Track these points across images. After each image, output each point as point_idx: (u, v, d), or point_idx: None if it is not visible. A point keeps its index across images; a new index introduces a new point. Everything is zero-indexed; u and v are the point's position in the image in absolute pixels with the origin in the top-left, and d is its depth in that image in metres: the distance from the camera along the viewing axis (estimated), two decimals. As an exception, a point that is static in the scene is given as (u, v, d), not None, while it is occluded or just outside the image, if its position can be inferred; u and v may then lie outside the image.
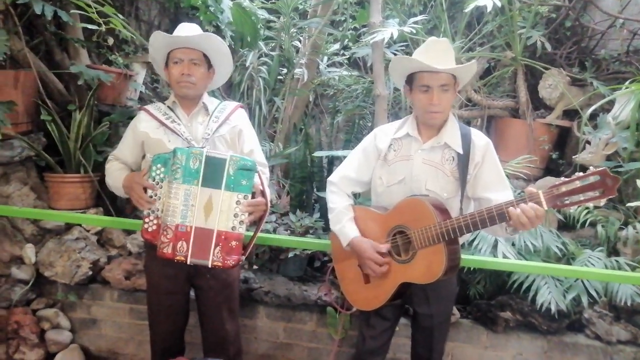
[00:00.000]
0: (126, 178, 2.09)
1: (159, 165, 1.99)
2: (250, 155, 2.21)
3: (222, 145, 2.12)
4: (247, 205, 1.96)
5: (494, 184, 1.87)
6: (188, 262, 1.93)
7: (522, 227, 1.64)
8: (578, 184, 1.55)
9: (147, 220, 2.01)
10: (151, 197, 1.99)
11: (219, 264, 1.94)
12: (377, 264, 1.86)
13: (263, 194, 2.06)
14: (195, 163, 1.93)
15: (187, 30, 2.11)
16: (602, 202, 1.52)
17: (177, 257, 1.92)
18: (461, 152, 1.86)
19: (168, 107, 2.16)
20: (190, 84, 2.07)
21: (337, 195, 2.06)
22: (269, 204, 2.09)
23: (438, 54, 1.83)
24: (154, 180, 2.00)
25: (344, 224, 1.98)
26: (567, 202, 1.57)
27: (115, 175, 2.15)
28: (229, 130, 2.16)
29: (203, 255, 1.93)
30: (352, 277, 2.02)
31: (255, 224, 2.11)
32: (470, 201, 1.95)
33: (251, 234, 2.11)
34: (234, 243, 1.94)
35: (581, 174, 1.55)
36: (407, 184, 1.91)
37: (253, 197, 2.02)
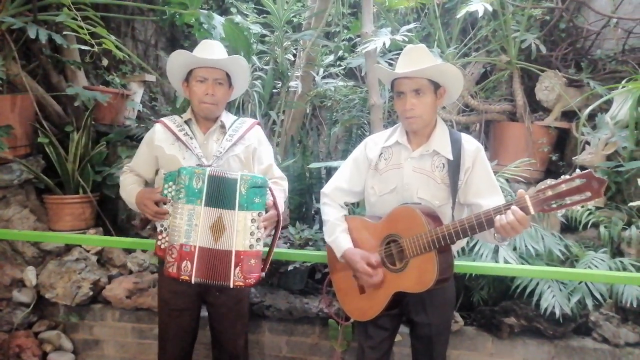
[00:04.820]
0: (139, 195, 2.08)
1: (170, 184, 1.98)
2: (268, 170, 2.20)
3: (235, 164, 2.10)
4: (261, 220, 1.95)
5: (485, 190, 1.84)
6: (192, 282, 1.92)
7: (506, 233, 1.62)
8: (564, 187, 1.53)
9: (160, 237, 2.01)
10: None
11: (241, 283, 1.92)
12: (369, 275, 1.84)
13: (275, 206, 2.05)
14: (198, 183, 1.92)
15: (213, 49, 2.10)
16: (590, 204, 1.50)
17: (182, 277, 1.92)
18: (451, 158, 1.84)
19: (184, 121, 2.14)
20: (213, 104, 2.07)
21: (330, 207, 2.05)
22: (281, 216, 2.07)
23: (411, 59, 1.83)
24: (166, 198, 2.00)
25: (337, 235, 1.96)
26: (554, 205, 1.55)
27: (129, 190, 2.14)
28: (244, 149, 2.13)
29: (221, 276, 1.92)
30: (348, 288, 2.00)
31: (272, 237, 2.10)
32: (463, 208, 1.92)
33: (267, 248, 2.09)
34: (252, 261, 1.93)
35: (567, 176, 1.53)
36: (399, 192, 1.89)
37: (265, 211, 2.01)
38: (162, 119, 2.18)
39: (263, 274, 2.00)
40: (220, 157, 2.06)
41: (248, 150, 2.14)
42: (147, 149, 2.16)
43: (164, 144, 2.09)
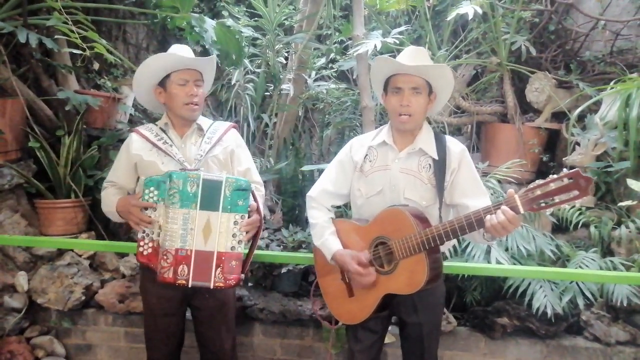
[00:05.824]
0: (120, 202, 2.07)
1: (151, 189, 1.97)
2: (246, 174, 2.20)
3: (215, 166, 2.10)
4: (245, 225, 1.97)
5: (470, 190, 1.86)
6: (190, 285, 1.93)
7: (497, 233, 1.63)
8: (552, 186, 1.54)
9: (142, 243, 1.99)
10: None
11: (221, 284, 1.94)
12: (361, 275, 1.84)
13: (258, 211, 2.06)
14: (193, 187, 1.92)
15: (183, 52, 2.10)
16: (578, 202, 1.52)
17: (179, 281, 1.92)
18: (436, 157, 1.85)
19: (160, 128, 2.13)
20: (197, 106, 2.07)
21: (317, 210, 2.04)
22: (263, 221, 2.09)
23: (415, 59, 1.85)
24: None
25: (326, 238, 1.96)
26: (542, 204, 1.56)
27: (109, 201, 2.13)
28: (222, 150, 2.14)
29: (204, 277, 1.93)
30: (336, 292, 1.99)
31: (251, 241, 2.10)
32: (449, 209, 1.93)
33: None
34: (234, 263, 1.95)
35: (555, 176, 1.55)
36: (386, 194, 1.89)
37: (248, 215, 2.02)
38: (136, 128, 2.17)
39: (243, 275, 2.02)
40: (200, 159, 2.06)
41: (226, 151, 2.15)
42: (126, 158, 2.14)
43: (141, 152, 2.09)
